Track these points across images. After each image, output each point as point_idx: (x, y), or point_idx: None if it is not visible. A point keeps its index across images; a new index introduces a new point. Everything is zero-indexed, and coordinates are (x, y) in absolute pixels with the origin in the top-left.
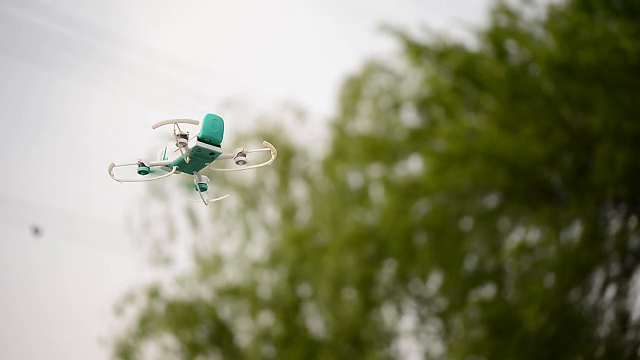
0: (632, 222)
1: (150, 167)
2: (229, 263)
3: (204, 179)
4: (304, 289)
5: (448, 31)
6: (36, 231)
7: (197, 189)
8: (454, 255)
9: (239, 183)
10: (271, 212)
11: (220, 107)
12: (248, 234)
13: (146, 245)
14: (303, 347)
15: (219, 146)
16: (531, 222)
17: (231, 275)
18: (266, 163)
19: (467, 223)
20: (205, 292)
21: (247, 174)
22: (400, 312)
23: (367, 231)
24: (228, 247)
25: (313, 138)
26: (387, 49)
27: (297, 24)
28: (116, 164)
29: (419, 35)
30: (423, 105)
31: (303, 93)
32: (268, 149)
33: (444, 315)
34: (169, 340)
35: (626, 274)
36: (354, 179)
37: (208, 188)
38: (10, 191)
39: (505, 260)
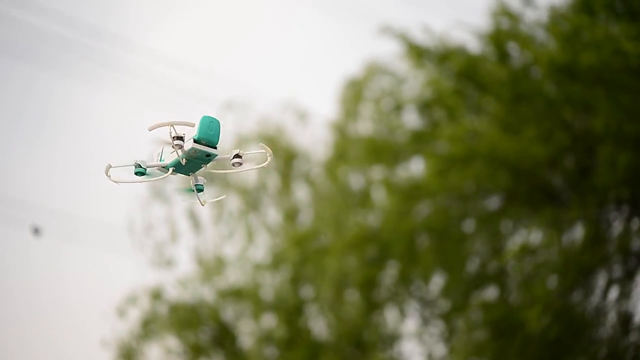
0: (635, 224)
1: (147, 169)
2: (232, 265)
3: (201, 180)
4: (307, 291)
5: (450, 33)
6: (36, 231)
7: (193, 190)
8: (457, 257)
9: (240, 185)
10: (273, 214)
11: (221, 109)
12: (250, 236)
13: (148, 247)
14: (306, 348)
15: (215, 148)
16: (533, 224)
17: (234, 277)
18: (262, 165)
19: (469, 225)
20: (207, 294)
21: (248, 175)
22: (402, 314)
23: (369, 233)
24: (230, 249)
25: (315, 140)
26: (389, 51)
27: (298, 26)
28: (113, 165)
29: (420, 38)
30: (425, 107)
31: (305, 95)
32: (264, 150)
33: (446, 317)
34: (172, 342)
35: (628, 276)
36: (356, 181)
37: (205, 189)
38: (13, 192)
39: (507, 262)
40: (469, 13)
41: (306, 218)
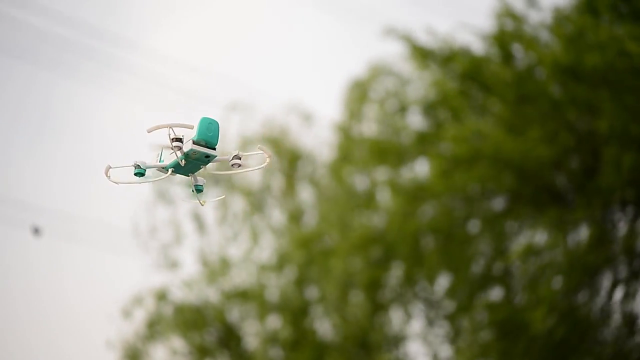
0: (639, 224)
1: (147, 169)
2: (237, 266)
3: (201, 180)
4: (312, 292)
5: (454, 35)
6: (36, 231)
7: (193, 191)
8: (462, 258)
9: (245, 186)
10: (278, 216)
11: (226, 110)
12: (255, 237)
13: (153, 249)
14: (311, 349)
15: (215, 149)
16: (538, 224)
17: (239, 278)
18: (261, 166)
19: (474, 226)
20: (213, 295)
21: (253, 177)
22: (408, 314)
23: (374, 234)
24: (235, 251)
25: (319, 141)
26: (393, 53)
27: (303, 27)
28: (112, 166)
29: (424, 39)
30: (429, 108)
31: (309, 96)
32: (263, 152)
33: (451, 318)
34: (177, 343)
35: (634, 276)
36: (361, 182)
37: (205, 189)
38: (18, 194)
39: (512, 263)
40: (473, 14)
41: (311, 219)
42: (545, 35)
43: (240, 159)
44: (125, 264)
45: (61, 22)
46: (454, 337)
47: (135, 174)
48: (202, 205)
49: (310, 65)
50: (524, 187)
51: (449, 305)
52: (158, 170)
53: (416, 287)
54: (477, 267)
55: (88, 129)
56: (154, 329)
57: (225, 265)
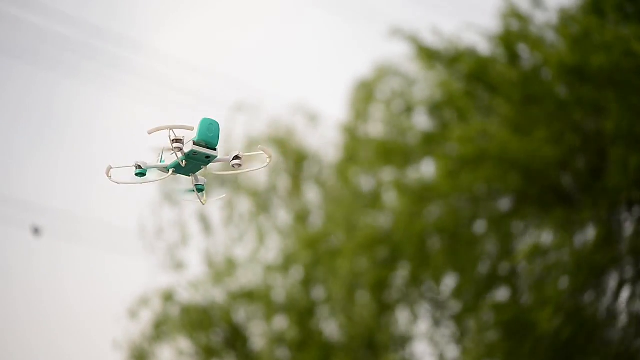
0: None
1: (148, 169)
2: (243, 267)
3: (201, 180)
4: (318, 292)
5: (460, 35)
6: (36, 231)
7: (194, 190)
8: (468, 258)
9: (251, 187)
10: (284, 216)
11: (231, 110)
12: (261, 238)
13: (159, 250)
14: (317, 350)
15: (215, 149)
16: (544, 225)
17: (245, 279)
18: (262, 167)
19: (480, 226)
20: (219, 296)
21: (259, 177)
22: (414, 315)
23: (380, 234)
24: (241, 251)
25: (325, 142)
26: (399, 53)
27: (308, 28)
28: (113, 166)
29: (430, 40)
30: (435, 108)
31: (315, 97)
32: (263, 152)
33: (458, 318)
34: (184, 343)
35: None
36: (367, 182)
37: (205, 188)
38: (22, 194)
39: (518, 263)
40: (478, 15)
41: (317, 220)
42: (551, 36)
43: (240, 159)
44: (131, 265)
45: (64, 22)
46: (460, 338)
47: (136, 174)
48: (203, 204)
49: (316, 65)
50: (530, 187)
51: (455, 306)
52: (159, 170)
53: (422, 288)
54: (483, 268)
55: (91, 129)
56: (160, 329)
57: (231, 265)
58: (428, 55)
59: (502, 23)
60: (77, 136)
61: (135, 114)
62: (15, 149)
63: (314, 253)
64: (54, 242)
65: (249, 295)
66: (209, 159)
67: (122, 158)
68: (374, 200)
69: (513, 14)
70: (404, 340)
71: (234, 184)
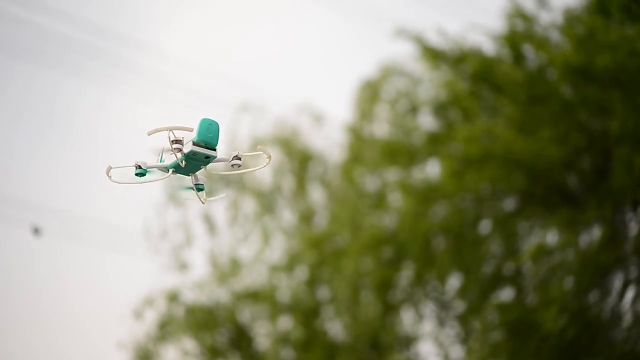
0: None
1: (148, 169)
2: (247, 267)
3: (201, 179)
4: (323, 292)
5: (464, 35)
6: (36, 231)
7: (193, 189)
8: (473, 258)
9: (256, 187)
10: (288, 216)
11: (236, 111)
12: (266, 238)
13: (164, 251)
14: (322, 350)
15: (215, 150)
16: (549, 225)
17: (250, 279)
18: (261, 167)
19: (485, 226)
20: (224, 296)
21: (264, 178)
22: (419, 315)
23: (385, 234)
24: (246, 252)
25: (330, 142)
26: (404, 53)
27: (313, 28)
28: (113, 166)
29: (435, 40)
30: (440, 108)
31: (320, 97)
32: (262, 152)
33: (462, 318)
34: (189, 343)
35: None
36: (372, 182)
37: (205, 187)
38: (26, 194)
39: (523, 263)
40: (483, 15)
41: (322, 220)
42: (556, 36)
43: (240, 159)
44: (135, 266)
45: (66, 21)
46: (465, 338)
47: (136, 174)
48: (203, 203)
49: (321, 65)
50: (535, 187)
51: (460, 306)
52: (159, 170)
53: (427, 288)
54: (488, 268)
55: (95, 129)
56: (165, 329)
57: (235, 266)
58: (433, 55)
59: (507, 23)
60: (80, 136)
61: (138, 114)
62: (18, 148)
63: (318, 253)
64: (56, 242)
65: (253, 296)
66: (208, 159)
67: (124, 158)
68: (378, 200)
69: (518, 14)
70: (409, 340)
71: (239, 184)
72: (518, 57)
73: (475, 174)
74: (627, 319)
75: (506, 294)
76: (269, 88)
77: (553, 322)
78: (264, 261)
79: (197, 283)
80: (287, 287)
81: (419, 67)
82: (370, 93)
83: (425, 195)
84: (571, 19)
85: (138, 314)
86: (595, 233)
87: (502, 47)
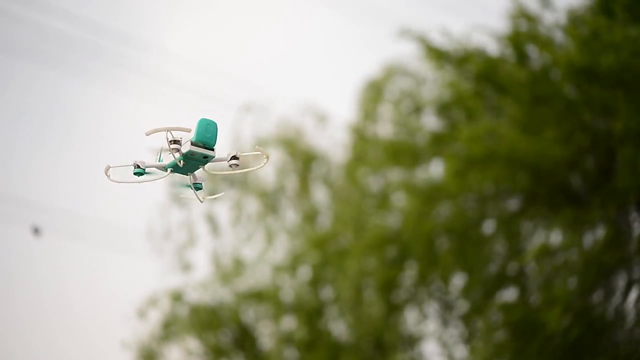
0: None
1: (146, 169)
2: (251, 267)
3: (199, 179)
4: (327, 292)
5: (468, 36)
6: (36, 231)
7: (191, 187)
8: (476, 258)
9: (259, 187)
10: (292, 216)
11: (240, 111)
12: (269, 238)
13: (168, 252)
14: (326, 350)
15: (213, 150)
16: (553, 225)
17: (253, 279)
18: (259, 167)
19: (489, 226)
20: (228, 296)
21: (267, 178)
22: (422, 315)
23: (389, 234)
24: (249, 252)
25: (334, 142)
26: (408, 53)
27: (317, 28)
28: (111, 166)
29: (439, 40)
30: (444, 108)
31: (324, 97)
32: (260, 152)
33: (466, 318)
34: (192, 343)
35: None
36: (375, 182)
37: (203, 186)
38: (30, 194)
39: (527, 263)
40: (487, 15)
41: (325, 220)
42: (559, 36)
43: (238, 159)
44: (140, 266)
45: (68, 20)
46: (468, 338)
47: (135, 174)
48: (201, 202)
49: (325, 65)
50: (539, 187)
51: (464, 306)
52: (157, 169)
53: (431, 287)
54: (492, 268)
55: (98, 129)
56: (169, 329)
57: (239, 266)
58: (437, 55)
59: (511, 24)
60: (83, 135)
61: (141, 114)
62: (20, 148)
63: (322, 253)
64: (60, 242)
65: (257, 296)
66: (206, 159)
67: (126, 157)
68: (382, 200)
69: (522, 14)
70: (413, 340)
71: (243, 185)
72: (522, 58)
73: (479, 174)
74: (631, 319)
75: (510, 294)
76: (273, 88)
77: (557, 322)
78: (267, 261)
79: (200, 283)
80: (290, 287)
81: (422, 67)
82: (373, 93)
83: (429, 195)
84: (575, 19)
85: (142, 314)
86: (599, 233)
87: (506, 48)
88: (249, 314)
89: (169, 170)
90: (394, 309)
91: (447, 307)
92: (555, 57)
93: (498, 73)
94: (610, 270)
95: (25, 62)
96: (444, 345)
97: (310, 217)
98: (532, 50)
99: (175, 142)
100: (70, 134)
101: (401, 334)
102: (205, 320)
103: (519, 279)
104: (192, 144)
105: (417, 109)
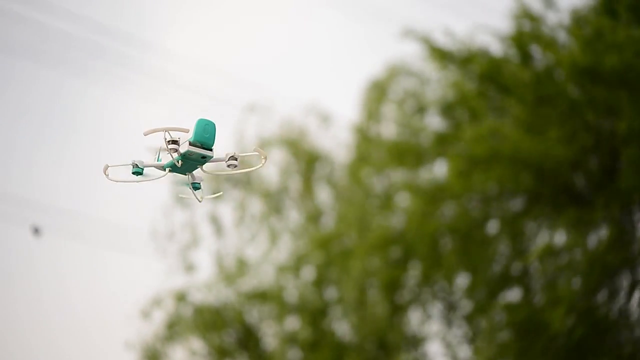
0: None
1: (145, 169)
2: (255, 267)
3: (198, 178)
4: (331, 293)
5: (472, 36)
6: (36, 231)
7: (190, 188)
8: (480, 258)
9: (263, 188)
10: (295, 217)
11: (243, 111)
12: (273, 239)
13: (172, 253)
14: (330, 350)
15: (211, 150)
16: (557, 225)
17: (257, 279)
18: (257, 167)
19: (492, 226)
20: (231, 297)
21: (271, 178)
22: (426, 315)
23: (392, 234)
24: (253, 252)
25: (337, 142)
26: (411, 54)
27: (321, 29)
28: (110, 165)
29: (442, 40)
30: (448, 109)
31: (327, 97)
32: (258, 153)
33: (470, 318)
34: (196, 344)
35: None
36: (379, 183)
37: (201, 186)
38: (30, 194)
39: (531, 263)
40: (490, 16)
41: (329, 220)
42: (563, 37)
43: (236, 159)
44: (143, 267)
45: (70, 20)
46: (472, 338)
47: (133, 173)
48: (200, 201)
49: (329, 66)
50: (543, 187)
51: (468, 306)
52: (156, 169)
53: (435, 288)
54: (496, 268)
55: (100, 128)
56: (173, 330)
57: (243, 266)
58: (440, 55)
59: (514, 24)
60: (85, 135)
61: (143, 114)
62: (20, 148)
63: (326, 253)
64: (61, 243)
65: (261, 296)
66: (204, 159)
67: (126, 157)
68: (386, 200)
69: (525, 14)
70: (416, 341)
71: (246, 185)
72: (525, 58)
73: (482, 174)
74: (635, 318)
75: (514, 294)
76: (276, 88)
77: (561, 322)
78: (271, 261)
79: (204, 283)
80: (294, 288)
81: (426, 67)
82: (377, 93)
83: (433, 195)
84: (578, 19)
85: (146, 314)
86: (603, 233)
87: (510, 48)
88: (253, 315)
89: (167, 170)
90: (397, 309)
91: (451, 307)
92: (558, 57)
93: (502, 73)
94: (614, 270)
95: (27, 61)
96: (448, 345)
97: (313, 217)
98: (536, 51)
99: (173, 142)
100: (71, 134)
101: (405, 334)
102: (209, 321)
103: (523, 279)
104: (190, 144)
105: (421, 109)
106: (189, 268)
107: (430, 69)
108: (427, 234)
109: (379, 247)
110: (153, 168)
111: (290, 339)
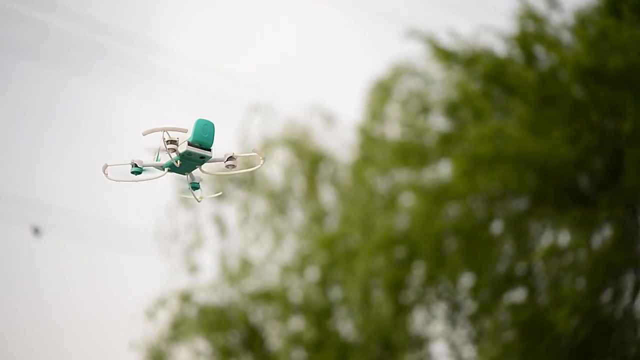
0: None
1: (144, 168)
2: (259, 268)
3: (197, 178)
4: (335, 293)
5: (476, 36)
6: (36, 231)
7: (189, 188)
8: (484, 258)
9: (267, 188)
10: (299, 217)
11: (247, 111)
12: (277, 239)
13: (176, 253)
14: (334, 350)
15: (210, 150)
16: (561, 225)
17: (262, 280)
18: (255, 168)
19: (497, 226)
20: (236, 297)
21: (275, 179)
22: (431, 315)
23: (397, 235)
24: (257, 252)
25: (341, 143)
26: (416, 54)
27: (325, 29)
28: (109, 164)
29: (446, 41)
30: (452, 109)
31: (331, 98)
32: (257, 154)
33: (474, 319)
34: (201, 344)
35: None
36: (383, 183)
37: (200, 186)
38: (32, 194)
39: (535, 264)
40: (494, 16)
41: (333, 220)
42: (567, 37)
43: (235, 160)
44: (148, 268)
45: (72, 20)
46: (476, 338)
47: (132, 172)
48: (199, 201)
49: (333, 66)
50: (547, 187)
51: (472, 306)
52: (155, 168)
53: (439, 288)
54: (500, 268)
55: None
56: (177, 330)
57: (247, 267)
58: (445, 56)
59: (518, 24)
60: (87, 135)
61: (145, 114)
62: (21, 148)
63: (330, 254)
64: (62, 243)
65: (265, 296)
66: (203, 159)
67: (127, 157)
68: (390, 201)
69: (529, 15)
70: (421, 341)
71: (250, 186)
72: (529, 58)
73: (486, 174)
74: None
75: (518, 294)
76: (280, 88)
77: (565, 322)
78: (275, 262)
79: (209, 284)
80: (298, 288)
81: (430, 67)
82: (381, 93)
83: (437, 195)
84: (582, 19)
85: (151, 315)
86: (607, 233)
87: (514, 48)
88: (257, 315)
89: (166, 169)
90: (402, 310)
91: (455, 307)
92: (562, 57)
93: (506, 73)
94: (619, 270)
95: (27, 61)
96: (452, 345)
97: (318, 217)
98: (540, 51)
99: (172, 142)
100: (72, 134)
101: (409, 334)
102: (213, 321)
103: (527, 279)
104: (189, 144)
105: (425, 110)
106: (193, 268)
107: (435, 69)
108: (432, 234)
109: (383, 247)
110: (152, 168)
111: (295, 339)
